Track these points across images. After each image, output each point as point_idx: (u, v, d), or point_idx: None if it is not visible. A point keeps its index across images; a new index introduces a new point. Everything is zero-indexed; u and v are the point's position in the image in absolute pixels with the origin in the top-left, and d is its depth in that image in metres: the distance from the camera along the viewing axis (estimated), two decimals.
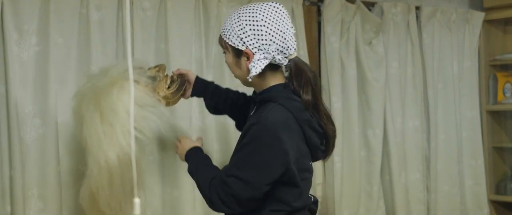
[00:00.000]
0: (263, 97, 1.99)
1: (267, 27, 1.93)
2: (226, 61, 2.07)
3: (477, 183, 4.07)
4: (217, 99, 2.34)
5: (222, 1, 2.96)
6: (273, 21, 1.93)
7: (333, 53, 3.38)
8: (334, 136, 2.06)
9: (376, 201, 3.56)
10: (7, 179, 2.41)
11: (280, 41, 1.94)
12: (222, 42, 2.03)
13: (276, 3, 1.99)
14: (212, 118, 2.87)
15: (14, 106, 2.39)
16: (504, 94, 4.24)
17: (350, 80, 3.44)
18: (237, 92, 2.38)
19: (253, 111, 2.05)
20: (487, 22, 4.18)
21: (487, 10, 4.16)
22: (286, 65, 1.98)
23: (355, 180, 3.43)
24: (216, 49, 2.91)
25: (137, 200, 1.16)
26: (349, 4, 3.44)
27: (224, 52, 2.05)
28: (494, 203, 4.20)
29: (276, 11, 1.96)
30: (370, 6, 3.60)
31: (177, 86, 2.30)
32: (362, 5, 3.49)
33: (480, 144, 4.11)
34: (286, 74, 2.02)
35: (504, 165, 4.30)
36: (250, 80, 1.95)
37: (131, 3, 2.69)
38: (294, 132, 1.91)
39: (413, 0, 3.85)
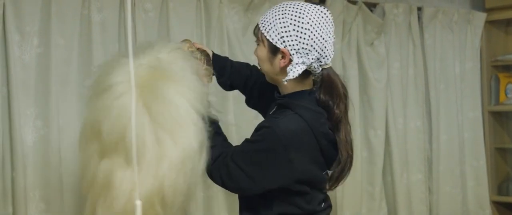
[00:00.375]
0: (284, 102, 1.91)
1: (311, 32, 1.85)
2: (256, 53, 1.96)
3: (479, 184, 4.07)
4: (233, 77, 2.22)
5: (223, 2, 2.96)
6: (318, 27, 1.86)
7: (335, 54, 3.31)
8: (346, 161, 1.93)
9: (378, 202, 3.55)
10: (9, 180, 2.41)
11: (320, 49, 1.87)
12: (259, 34, 1.93)
13: (324, 8, 1.91)
14: None
15: (16, 108, 2.39)
16: (506, 95, 4.23)
17: (352, 81, 3.43)
18: (249, 68, 2.24)
19: (272, 110, 1.98)
20: (489, 22, 4.17)
21: (489, 10, 4.15)
22: (317, 73, 1.91)
23: (357, 180, 3.42)
24: (218, 50, 2.91)
25: (138, 202, 1.15)
26: (350, 5, 3.44)
27: (258, 44, 1.95)
28: (496, 204, 4.19)
29: (322, 17, 1.88)
30: (371, 7, 3.60)
31: (204, 62, 2.13)
32: (363, 6, 3.49)
33: (482, 145, 4.10)
34: (317, 80, 1.93)
35: (506, 166, 4.29)
36: (285, 83, 1.88)
37: (133, 4, 2.69)
38: (306, 145, 1.84)
39: (415, 1, 3.85)
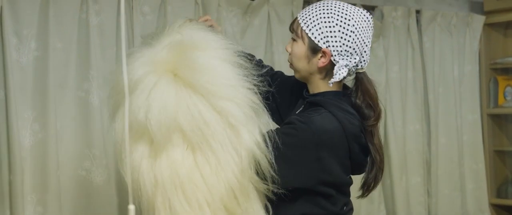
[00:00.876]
0: (316, 100, 1.85)
1: (356, 35, 1.82)
2: (291, 49, 1.88)
3: (478, 187, 4.07)
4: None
5: (222, 5, 2.96)
6: (361, 31, 1.83)
7: None
8: (380, 165, 1.89)
9: (377, 205, 3.55)
10: (6, 184, 2.41)
11: (360, 53, 1.84)
12: (299, 30, 1.86)
13: (368, 12, 1.88)
14: None
15: (14, 111, 2.39)
16: (505, 97, 4.23)
17: (350, 84, 3.42)
18: (262, 62, 2.15)
19: (300, 109, 1.93)
20: (487, 25, 4.17)
21: (487, 13, 4.15)
22: (351, 77, 1.89)
23: (356, 183, 3.41)
24: None
25: (131, 207, 1.15)
26: None
27: (294, 40, 1.87)
28: (495, 207, 4.18)
29: (365, 21, 1.85)
30: (370, 10, 3.60)
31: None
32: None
33: (481, 148, 4.10)
34: (350, 83, 1.90)
35: (505, 169, 4.29)
36: (331, 85, 1.84)
37: (131, 8, 2.69)
38: (337, 145, 1.79)
39: (414, 4, 3.85)
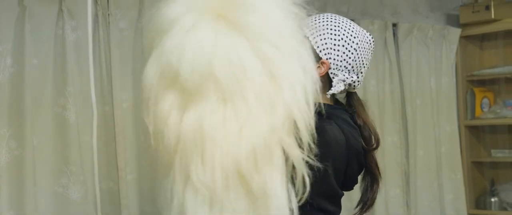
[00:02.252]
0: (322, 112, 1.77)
1: (358, 54, 1.82)
2: None
3: (457, 198, 4.10)
4: None
5: None
6: (363, 51, 1.84)
7: None
8: (379, 186, 1.88)
9: None
10: None
11: (357, 73, 1.84)
12: None
13: (371, 35, 1.88)
14: None
15: None
16: (481, 109, 4.28)
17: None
18: None
19: None
20: (463, 38, 4.22)
21: (463, 26, 4.21)
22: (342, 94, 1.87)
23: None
24: None
25: None
26: None
27: None
28: None
29: (367, 43, 1.86)
30: None
31: None
32: None
33: (459, 159, 4.14)
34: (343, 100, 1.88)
35: (483, 179, 4.33)
36: (328, 96, 1.82)
37: (108, 23, 2.69)
38: (340, 157, 1.76)
39: (390, 17, 3.89)
